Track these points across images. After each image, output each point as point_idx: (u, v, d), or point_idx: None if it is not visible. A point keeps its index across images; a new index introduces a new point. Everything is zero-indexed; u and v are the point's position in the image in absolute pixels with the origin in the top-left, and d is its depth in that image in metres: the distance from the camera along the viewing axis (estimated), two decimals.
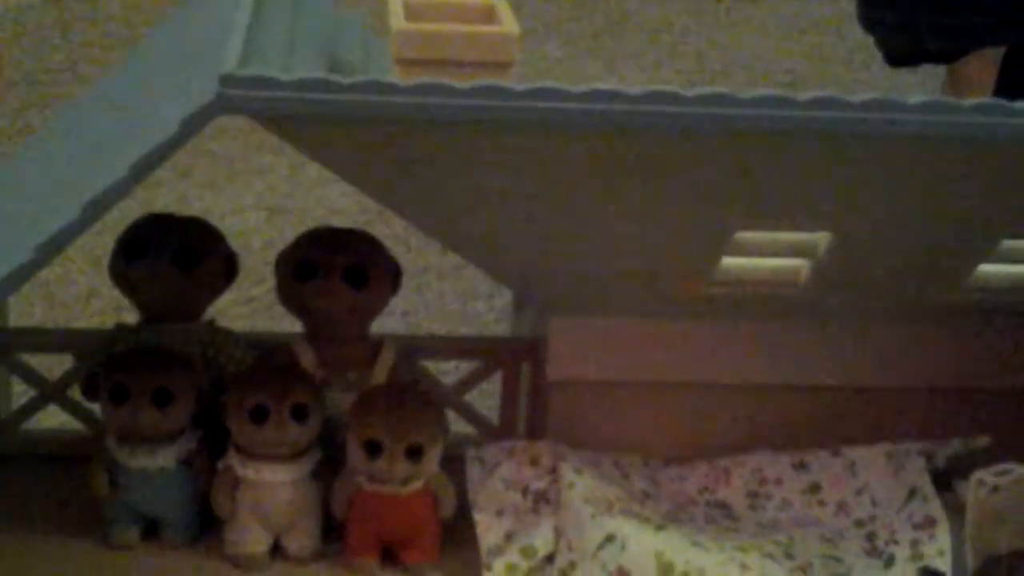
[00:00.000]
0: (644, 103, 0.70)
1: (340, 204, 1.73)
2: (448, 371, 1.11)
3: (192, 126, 0.68)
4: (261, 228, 1.71)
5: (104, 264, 0.95)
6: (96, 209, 0.68)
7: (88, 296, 1.50)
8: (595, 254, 0.85)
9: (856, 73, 2.05)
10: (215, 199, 1.70)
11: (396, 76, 0.73)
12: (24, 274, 0.69)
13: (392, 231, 0.92)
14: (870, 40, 1.36)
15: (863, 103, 0.71)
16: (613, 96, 0.70)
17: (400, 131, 0.71)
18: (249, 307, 1.52)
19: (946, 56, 1.31)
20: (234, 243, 0.97)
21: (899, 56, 1.32)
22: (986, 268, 0.90)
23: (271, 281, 0.94)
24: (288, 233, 0.92)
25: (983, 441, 0.93)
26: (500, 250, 0.86)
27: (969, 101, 0.72)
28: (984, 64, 1.30)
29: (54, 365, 1.03)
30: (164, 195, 1.65)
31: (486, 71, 0.74)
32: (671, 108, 0.70)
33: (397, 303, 0.95)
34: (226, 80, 0.67)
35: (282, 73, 0.68)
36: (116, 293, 0.96)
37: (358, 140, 0.73)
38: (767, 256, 0.88)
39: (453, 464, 0.90)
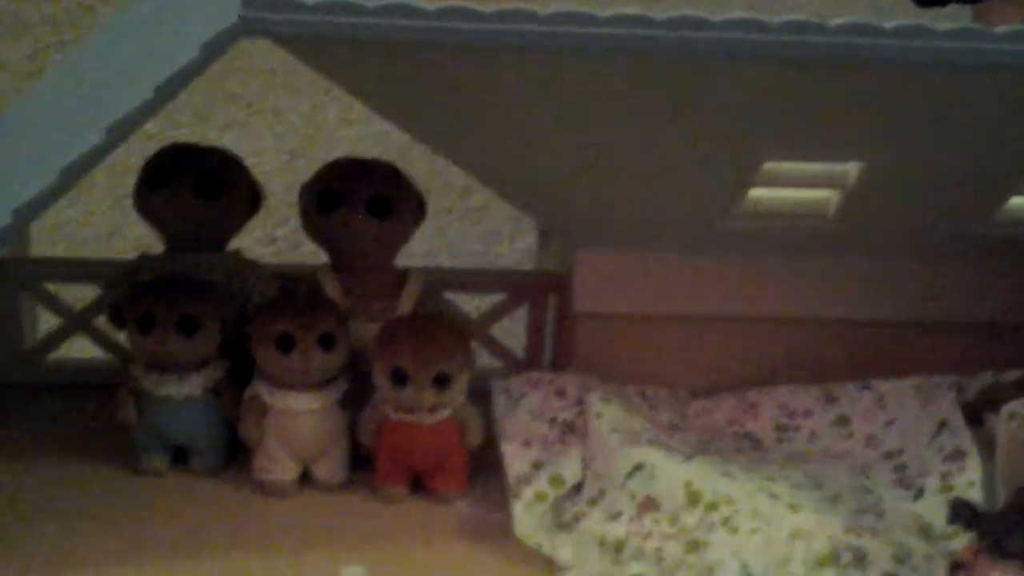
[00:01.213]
0: (672, 28, 0.69)
1: (360, 146, 1.73)
2: (471, 308, 1.11)
3: (214, 49, 0.67)
4: (282, 170, 1.71)
5: (124, 205, 0.95)
6: (120, 131, 0.68)
7: (109, 235, 1.51)
8: (622, 183, 0.85)
9: (880, 14, 2.03)
10: (234, 142, 1.70)
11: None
12: (48, 197, 0.69)
13: (412, 172, 0.92)
14: None
15: (894, 29, 0.70)
16: (641, 21, 0.69)
17: (425, 55, 0.71)
18: (272, 247, 1.52)
19: None
20: None
21: None
22: (1017, 201, 0.89)
23: (293, 222, 0.94)
24: (309, 175, 0.92)
25: (1015, 374, 0.92)
26: (526, 179, 0.86)
27: (1000, 28, 0.71)
28: (1010, 5, 1.28)
29: (79, 297, 1.03)
30: (183, 138, 1.65)
31: None
32: (700, 33, 0.69)
33: (418, 245, 0.95)
34: (248, 2, 0.67)
35: None
36: (137, 232, 0.97)
37: (382, 64, 0.72)
38: (796, 187, 0.87)
39: (479, 397, 0.90)
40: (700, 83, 0.74)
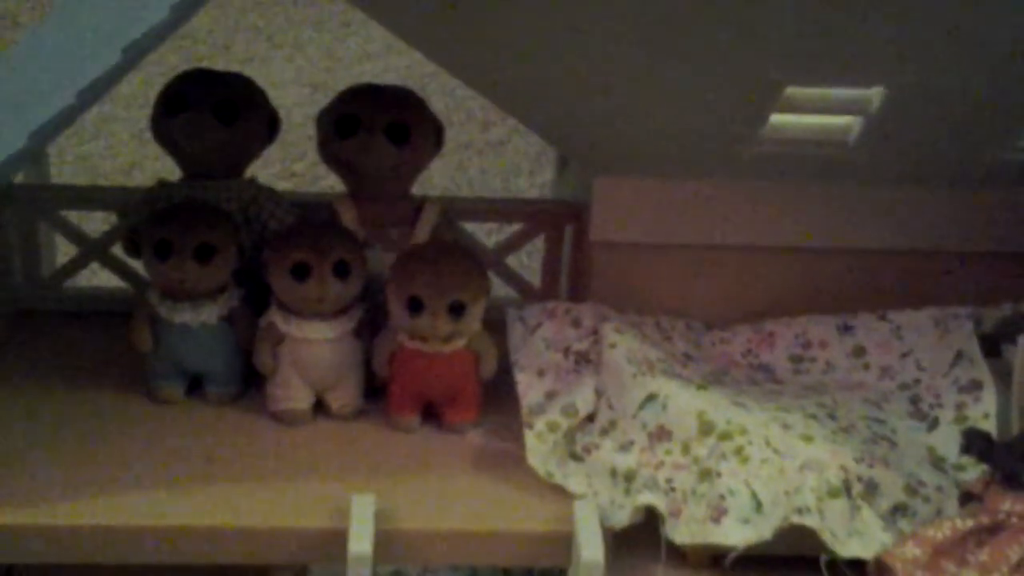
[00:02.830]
0: None
1: (380, 79, 1.72)
2: (489, 240, 1.11)
3: None
4: (302, 103, 1.71)
5: (144, 138, 0.95)
6: (136, 52, 0.67)
7: (129, 168, 1.51)
8: (642, 108, 0.84)
9: None
10: (255, 74, 1.70)
11: None
12: (65, 119, 0.68)
13: (432, 107, 0.92)
14: None
15: None
16: None
17: None
18: (291, 182, 1.52)
19: None
20: None
21: None
22: None
23: (312, 156, 0.93)
24: None
25: None
26: (546, 103, 0.85)
27: None
28: None
29: (96, 230, 1.03)
30: None
31: None
32: None
33: (438, 179, 0.94)
34: None
35: None
36: (157, 165, 0.96)
37: None
38: (818, 113, 0.86)
39: (495, 327, 0.90)
40: (721, 2, 0.73)
